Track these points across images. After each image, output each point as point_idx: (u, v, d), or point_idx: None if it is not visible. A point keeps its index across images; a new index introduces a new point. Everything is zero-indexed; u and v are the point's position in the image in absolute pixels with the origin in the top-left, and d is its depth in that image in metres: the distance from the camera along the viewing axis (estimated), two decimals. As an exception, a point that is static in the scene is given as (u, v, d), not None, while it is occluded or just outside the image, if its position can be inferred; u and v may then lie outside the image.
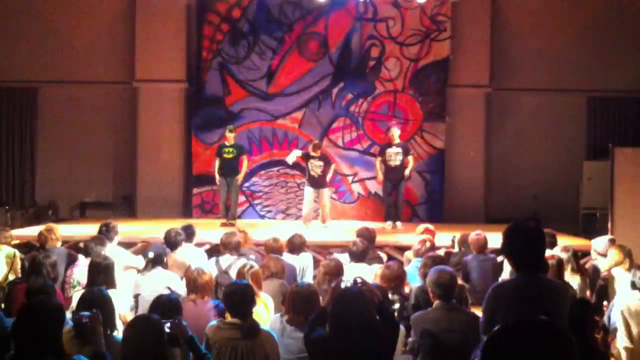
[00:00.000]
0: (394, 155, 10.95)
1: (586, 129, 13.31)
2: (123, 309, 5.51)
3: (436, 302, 4.69)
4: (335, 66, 13.06)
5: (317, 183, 10.90)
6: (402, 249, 8.30)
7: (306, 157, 11.00)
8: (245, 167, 11.10)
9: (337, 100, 13.11)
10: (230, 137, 10.95)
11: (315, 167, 10.86)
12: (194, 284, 5.30)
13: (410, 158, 11.09)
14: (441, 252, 7.36)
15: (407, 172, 11.00)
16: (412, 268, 6.45)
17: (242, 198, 12.91)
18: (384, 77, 13.08)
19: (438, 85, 13.01)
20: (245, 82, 13.09)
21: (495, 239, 7.19)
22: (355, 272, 6.06)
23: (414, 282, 5.94)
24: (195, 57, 13.14)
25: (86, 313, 3.85)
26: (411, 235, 8.32)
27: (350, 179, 13.11)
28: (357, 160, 13.06)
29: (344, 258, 6.63)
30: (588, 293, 6.78)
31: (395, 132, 11.12)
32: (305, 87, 13.05)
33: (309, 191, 10.96)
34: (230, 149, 10.87)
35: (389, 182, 11.10)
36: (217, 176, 10.96)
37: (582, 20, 13.16)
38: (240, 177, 11.07)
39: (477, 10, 12.96)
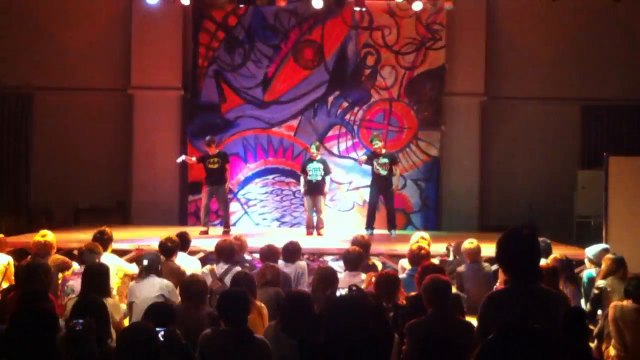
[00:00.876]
0: (382, 166, 10.92)
1: (580, 138, 13.37)
2: (117, 317, 5.49)
3: (431, 311, 4.69)
4: (330, 74, 13.09)
5: (315, 189, 10.91)
6: (397, 257, 8.29)
7: (306, 163, 11.04)
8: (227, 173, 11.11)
9: (333, 108, 13.14)
10: (212, 147, 10.90)
11: (315, 171, 10.87)
12: (189, 291, 5.30)
13: (395, 168, 11.02)
14: (436, 261, 7.36)
15: (394, 187, 10.98)
16: (407, 276, 6.44)
17: (237, 206, 12.91)
18: (379, 85, 13.12)
19: (433, 94, 13.06)
20: (241, 89, 13.12)
21: (490, 247, 7.20)
22: (349, 280, 6.06)
23: (408, 290, 5.93)
24: (191, 64, 13.16)
25: (80, 320, 3.84)
26: (406, 244, 8.32)
27: (345, 187, 13.12)
28: (352, 168, 13.07)
29: (338, 266, 6.62)
30: (582, 302, 6.79)
31: (376, 144, 11.02)
32: (300, 95, 13.08)
33: (307, 200, 11.01)
34: (215, 159, 10.83)
35: (376, 190, 11.08)
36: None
37: (577, 29, 13.23)
38: (227, 184, 11.08)
39: (473, 19, 13.02)
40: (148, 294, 5.89)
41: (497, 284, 6.77)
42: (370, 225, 11.06)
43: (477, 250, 7.37)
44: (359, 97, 13.15)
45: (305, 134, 13.07)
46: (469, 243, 7.43)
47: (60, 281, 6.57)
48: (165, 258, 6.85)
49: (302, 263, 7.30)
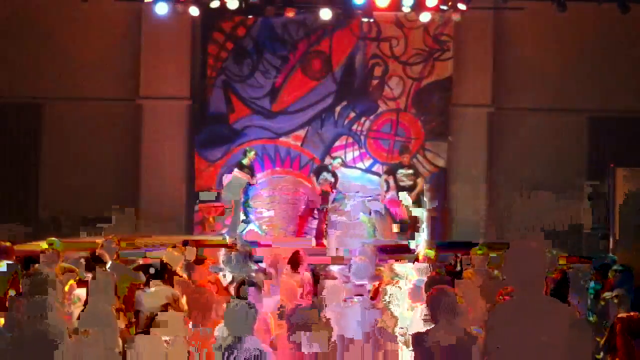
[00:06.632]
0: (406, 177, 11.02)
1: (587, 149, 13.33)
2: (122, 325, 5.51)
3: (438, 321, 4.68)
4: (338, 85, 13.12)
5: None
6: (404, 267, 8.27)
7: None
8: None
9: (340, 118, 13.17)
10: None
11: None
12: (195, 301, 5.31)
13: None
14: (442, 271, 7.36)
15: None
16: (415, 287, 6.44)
17: (243, 215, 12.93)
18: (386, 95, 13.14)
19: (440, 104, 13.08)
20: (249, 99, 13.16)
21: (496, 258, 7.20)
22: (356, 290, 6.07)
23: (415, 300, 5.93)
24: (200, 74, 13.22)
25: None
26: (412, 254, 8.32)
27: (352, 197, 13.11)
28: (359, 178, 13.08)
29: (344, 275, 6.63)
30: (589, 314, 6.77)
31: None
32: (308, 105, 13.11)
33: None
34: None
35: None
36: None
37: (584, 40, 13.21)
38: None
39: (480, 30, 13.04)
40: (154, 303, 5.90)
41: (503, 295, 6.76)
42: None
43: (485, 258, 7.39)
44: (366, 107, 13.18)
45: (312, 144, 13.09)
46: (478, 250, 7.46)
47: (67, 289, 6.60)
48: (171, 267, 6.87)
49: (307, 273, 7.31)
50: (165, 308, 5.76)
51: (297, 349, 4.65)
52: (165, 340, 4.33)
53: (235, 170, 11.53)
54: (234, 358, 4.27)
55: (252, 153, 11.65)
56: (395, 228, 11.38)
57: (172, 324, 4.50)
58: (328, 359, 4.65)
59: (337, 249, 10.65)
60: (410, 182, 11.09)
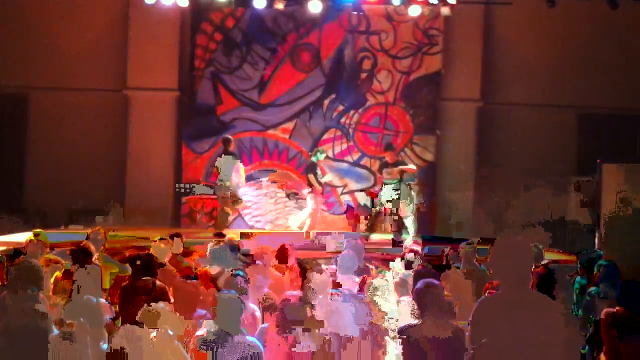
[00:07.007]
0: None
1: (576, 145, 13.40)
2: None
3: (425, 315, 4.69)
4: (327, 78, 13.12)
5: None
6: (391, 261, 8.29)
7: None
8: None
9: (328, 111, 13.17)
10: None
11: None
12: (182, 294, 5.30)
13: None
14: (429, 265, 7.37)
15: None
16: (402, 281, 6.45)
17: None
18: (375, 89, 13.15)
19: (429, 99, 13.11)
20: (237, 91, 13.13)
21: (484, 252, 7.21)
22: (342, 284, 6.07)
23: (402, 294, 5.94)
24: (188, 65, 13.16)
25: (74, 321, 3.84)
26: (400, 248, 8.33)
27: (339, 190, 13.13)
28: (347, 171, 13.09)
29: (332, 269, 6.62)
30: (574, 308, 6.80)
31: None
32: (296, 98, 13.10)
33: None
34: None
35: None
36: None
37: (574, 36, 13.27)
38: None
39: (469, 25, 13.06)
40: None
41: (489, 290, 6.78)
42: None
43: (473, 253, 7.41)
44: (355, 100, 13.18)
45: (300, 137, 13.09)
46: (466, 244, 7.47)
47: (52, 281, 6.56)
48: (158, 259, 6.84)
49: (295, 266, 7.30)
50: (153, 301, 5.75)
51: (289, 344, 4.65)
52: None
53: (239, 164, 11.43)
54: (223, 352, 4.26)
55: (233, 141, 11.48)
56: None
57: (164, 318, 4.48)
58: (326, 356, 4.65)
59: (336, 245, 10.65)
60: (394, 182, 11.05)
